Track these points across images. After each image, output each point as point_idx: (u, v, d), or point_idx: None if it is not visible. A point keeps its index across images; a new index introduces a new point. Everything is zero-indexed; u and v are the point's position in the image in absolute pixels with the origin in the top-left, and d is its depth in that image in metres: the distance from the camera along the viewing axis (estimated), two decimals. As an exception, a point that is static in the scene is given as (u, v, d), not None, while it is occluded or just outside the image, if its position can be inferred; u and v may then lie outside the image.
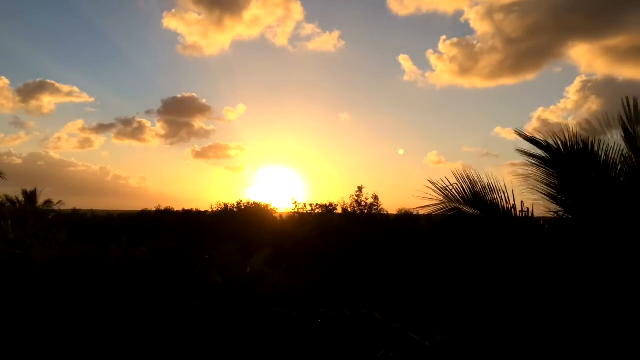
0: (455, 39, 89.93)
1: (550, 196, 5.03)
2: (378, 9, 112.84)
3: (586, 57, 70.40)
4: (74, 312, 14.06)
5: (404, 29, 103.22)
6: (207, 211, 40.28)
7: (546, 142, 4.92)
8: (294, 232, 27.39)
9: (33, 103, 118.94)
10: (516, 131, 5.10)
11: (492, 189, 5.38)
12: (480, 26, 76.70)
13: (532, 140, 5.05)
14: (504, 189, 5.34)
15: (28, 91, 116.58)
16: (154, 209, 47.56)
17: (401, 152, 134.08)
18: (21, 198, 32.19)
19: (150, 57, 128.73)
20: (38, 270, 15.46)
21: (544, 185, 5.07)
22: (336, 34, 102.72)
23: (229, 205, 37.37)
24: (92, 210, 55.94)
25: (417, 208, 5.52)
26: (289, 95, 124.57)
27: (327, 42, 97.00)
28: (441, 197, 5.44)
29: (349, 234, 24.55)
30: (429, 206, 5.51)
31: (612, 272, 4.95)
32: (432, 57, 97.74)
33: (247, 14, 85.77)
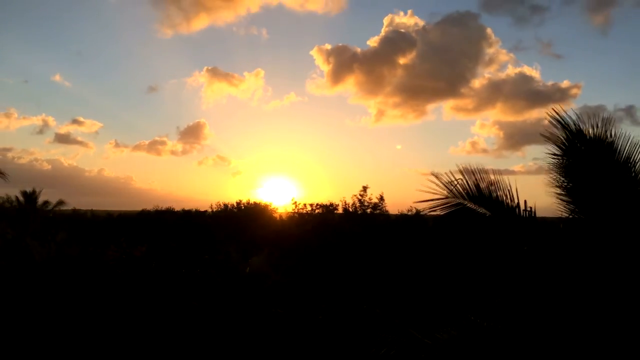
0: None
1: (561, 196, 4.87)
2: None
3: (444, 110, 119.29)
4: (73, 313, 13.96)
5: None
6: (207, 211, 39.89)
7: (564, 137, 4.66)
8: (294, 232, 27.24)
9: (75, 127, 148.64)
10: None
11: (498, 186, 5.22)
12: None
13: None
14: (508, 186, 5.20)
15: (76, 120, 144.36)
16: (154, 209, 46.65)
17: (399, 147, 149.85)
18: (21, 198, 32.05)
19: (176, 107, 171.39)
20: (36, 270, 15.35)
21: (557, 182, 4.87)
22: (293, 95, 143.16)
23: (229, 205, 37.11)
24: (92, 210, 55.64)
25: (419, 202, 5.28)
26: (274, 131, 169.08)
27: (287, 99, 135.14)
28: (445, 192, 5.24)
29: (349, 233, 24.42)
30: (431, 200, 5.29)
31: (625, 271, 4.83)
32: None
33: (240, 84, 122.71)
